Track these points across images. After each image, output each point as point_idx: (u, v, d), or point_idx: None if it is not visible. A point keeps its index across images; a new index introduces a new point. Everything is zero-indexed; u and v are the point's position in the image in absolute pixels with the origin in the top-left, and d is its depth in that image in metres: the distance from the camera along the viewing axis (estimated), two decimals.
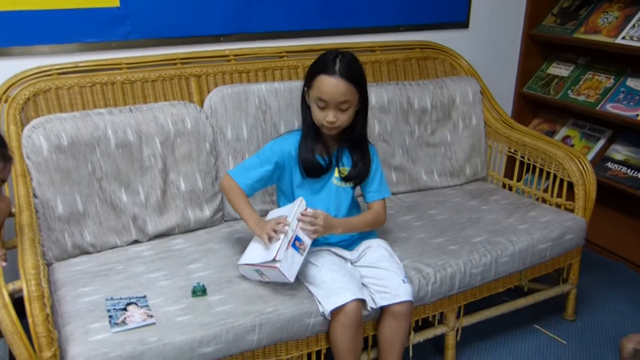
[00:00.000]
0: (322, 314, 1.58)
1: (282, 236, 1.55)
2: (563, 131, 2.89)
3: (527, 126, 2.96)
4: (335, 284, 1.59)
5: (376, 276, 1.68)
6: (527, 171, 2.35)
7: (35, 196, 1.72)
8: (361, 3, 2.37)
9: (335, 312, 1.56)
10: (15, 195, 1.66)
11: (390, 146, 2.29)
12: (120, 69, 1.96)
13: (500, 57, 2.88)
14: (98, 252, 1.82)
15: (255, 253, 1.62)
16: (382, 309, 1.64)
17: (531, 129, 2.84)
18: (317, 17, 2.30)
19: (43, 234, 1.73)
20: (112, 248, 1.84)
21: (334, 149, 1.75)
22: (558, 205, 2.20)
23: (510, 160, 2.47)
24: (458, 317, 1.91)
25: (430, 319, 1.86)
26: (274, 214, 1.71)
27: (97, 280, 1.66)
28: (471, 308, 1.95)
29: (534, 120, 3.04)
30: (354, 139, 1.73)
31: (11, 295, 1.31)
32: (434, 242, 1.91)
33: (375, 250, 1.76)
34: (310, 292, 1.63)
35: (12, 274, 1.40)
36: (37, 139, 1.71)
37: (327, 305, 1.56)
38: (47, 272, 1.72)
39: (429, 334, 1.88)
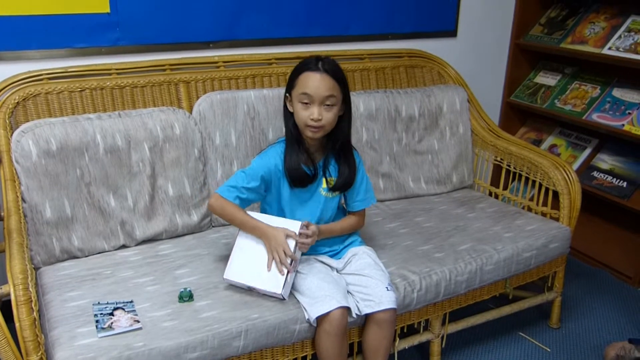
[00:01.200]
0: (308, 321, 1.59)
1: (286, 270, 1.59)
2: (549, 140, 2.92)
3: (514, 135, 3.01)
4: (321, 291, 1.60)
5: (360, 284, 1.69)
6: (514, 180, 2.38)
7: (23, 200, 1.72)
8: (350, 11, 2.40)
9: (321, 319, 1.57)
10: (3, 200, 1.66)
11: (377, 153, 2.31)
12: (110, 74, 1.97)
13: (488, 66, 2.91)
14: (86, 256, 1.82)
15: (250, 272, 1.63)
16: (367, 317, 1.66)
17: (518, 138, 2.88)
18: (306, 25, 2.32)
19: (31, 238, 1.73)
20: (99, 253, 1.85)
21: (319, 159, 1.74)
22: (544, 214, 2.23)
23: (497, 168, 2.50)
24: (443, 324, 1.93)
25: (415, 326, 1.87)
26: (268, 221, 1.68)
27: (84, 284, 1.66)
28: (456, 315, 1.97)
29: (521, 128, 3.08)
30: (339, 147, 1.72)
31: None
32: (420, 250, 1.93)
33: (360, 258, 1.77)
34: (296, 299, 1.64)
35: (0, 278, 1.40)
36: (26, 144, 1.72)
37: (313, 312, 1.57)
38: (35, 276, 1.73)
39: (414, 340, 1.89)
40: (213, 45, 2.18)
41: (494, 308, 2.10)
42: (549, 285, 2.17)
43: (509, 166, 2.38)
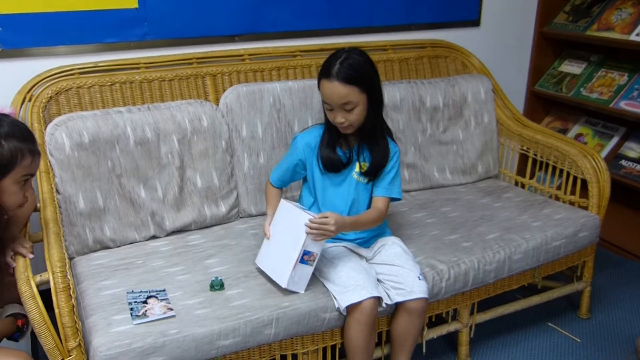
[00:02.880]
0: (338, 310, 1.60)
1: (293, 260, 1.57)
2: (575, 129, 2.89)
3: (539, 123, 2.98)
4: (351, 280, 1.61)
5: (392, 273, 1.70)
6: (540, 169, 2.36)
7: (58, 192, 1.76)
8: (372, 3, 2.40)
9: (351, 308, 1.58)
10: (39, 191, 1.70)
11: (402, 144, 2.31)
12: (138, 68, 2.00)
13: (512, 55, 2.89)
14: (118, 247, 1.86)
15: (269, 260, 1.67)
16: (397, 305, 1.66)
17: (543, 127, 2.86)
18: (329, 17, 2.33)
19: (65, 228, 1.77)
20: (131, 243, 1.88)
21: (356, 143, 1.76)
22: (572, 203, 2.21)
23: (523, 158, 2.48)
24: (472, 313, 1.93)
25: (443, 316, 1.88)
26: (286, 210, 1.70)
27: (117, 274, 1.69)
28: (485, 305, 1.97)
29: (546, 118, 3.05)
30: (371, 135, 1.74)
31: (38, 287, 1.35)
32: (447, 239, 1.93)
33: (390, 247, 1.78)
34: (326, 287, 1.65)
35: (38, 267, 1.44)
36: (59, 137, 1.76)
37: (343, 301, 1.58)
38: (69, 266, 1.77)
39: (443, 330, 1.90)
40: (238, 38, 2.20)
41: (523, 298, 2.09)
42: (578, 275, 2.15)
43: (535, 155, 2.36)
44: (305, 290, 1.63)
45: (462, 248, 1.87)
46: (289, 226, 1.62)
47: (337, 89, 1.60)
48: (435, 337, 1.88)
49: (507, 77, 2.82)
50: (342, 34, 2.38)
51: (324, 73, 1.63)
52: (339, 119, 1.64)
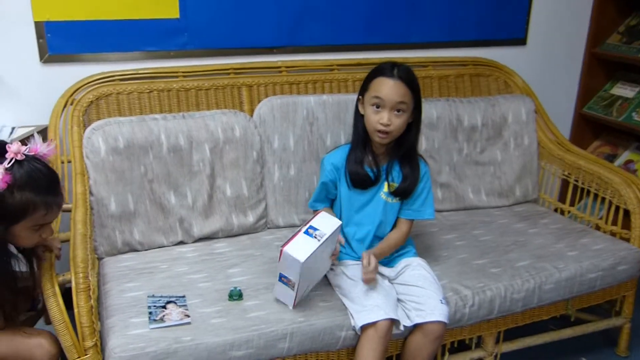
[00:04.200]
0: (354, 328, 1.58)
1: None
2: (625, 155, 2.76)
3: (586, 148, 2.87)
4: (370, 300, 1.59)
5: (414, 294, 1.67)
6: (582, 196, 2.27)
7: (91, 194, 1.82)
8: (412, 18, 2.37)
9: (366, 327, 1.56)
10: (73, 192, 1.76)
11: (437, 163, 2.27)
12: (177, 77, 2.05)
13: (560, 75, 2.80)
14: (146, 250, 1.90)
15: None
16: (415, 326, 1.63)
17: (590, 152, 2.75)
18: (368, 32, 2.32)
19: (96, 230, 1.83)
20: (158, 247, 1.92)
21: (384, 162, 1.75)
22: (613, 234, 2.11)
23: (565, 183, 2.39)
24: (497, 342, 1.86)
25: (467, 342, 1.82)
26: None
27: (142, 277, 1.73)
28: (512, 334, 1.89)
29: (594, 142, 2.93)
30: (405, 152, 1.73)
31: (61, 285, 1.40)
32: (475, 264, 1.88)
33: (414, 269, 1.74)
34: (344, 305, 1.64)
35: (65, 265, 1.49)
36: (96, 141, 1.82)
37: (360, 320, 1.56)
38: (98, 266, 1.83)
39: (466, 357, 1.84)
40: (276, 50, 2.22)
41: (555, 329, 2.01)
42: (617, 309, 2.05)
43: (577, 181, 2.27)
44: (323, 306, 1.61)
45: (490, 274, 1.81)
46: None
47: (398, 87, 1.62)
48: None
49: (553, 98, 2.73)
50: (381, 49, 2.37)
51: (383, 72, 1.65)
52: (385, 119, 1.63)
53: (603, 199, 2.15)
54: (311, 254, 1.49)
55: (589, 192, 2.22)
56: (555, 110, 2.67)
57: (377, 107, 1.64)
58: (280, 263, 1.53)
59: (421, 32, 2.43)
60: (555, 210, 2.40)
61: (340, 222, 1.58)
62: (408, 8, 2.36)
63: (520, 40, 2.65)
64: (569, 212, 2.34)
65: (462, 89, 2.46)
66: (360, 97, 1.72)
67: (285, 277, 1.55)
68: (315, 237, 1.52)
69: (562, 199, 2.42)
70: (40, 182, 1.34)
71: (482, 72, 2.49)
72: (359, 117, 1.73)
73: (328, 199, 1.82)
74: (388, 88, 1.63)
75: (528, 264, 1.87)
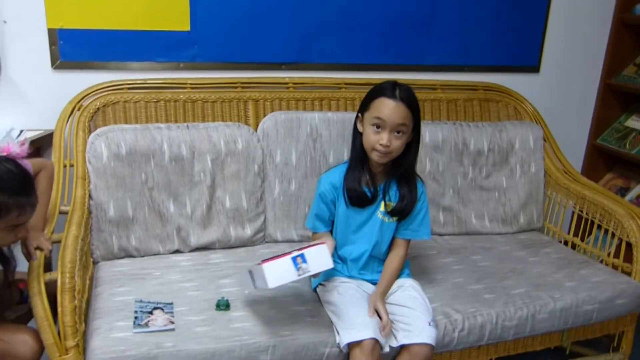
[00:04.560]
0: (338, 345, 1.57)
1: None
2: (638, 189, 2.71)
3: (599, 180, 2.83)
4: (358, 319, 1.58)
5: (403, 314, 1.65)
6: (586, 226, 2.22)
7: (91, 198, 1.86)
8: (425, 41, 2.38)
9: (352, 346, 1.55)
10: (73, 195, 1.80)
11: (440, 186, 2.26)
12: (184, 88, 2.09)
13: (573, 105, 2.77)
14: (141, 256, 1.92)
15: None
16: (402, 347, 1.61)
17: (602, 184, 2.71)
18: (378, 52, 2.34)
19: (93, 234, 1.86)
20: (154, 254, 1.94)
21: (381, 182, 1.75)
22: (615, 267, 2.06)
23: (572, 213, 2.35)
24: None
25: None
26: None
27: (133, 282, 1.75)
28: None
29: (608, 174, 2.88)
30: (403, 172, 1.73)
31: (48, 285, 1.42)
32: (469, 289, 1.85)
33: (405, 290, 1.73)
34: (331, 321, 1.63)
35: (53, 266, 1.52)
36: (99, 146, 1.86)
37: (345, 337, 1.55)
38: (93, 269, 1.86)
39: None
40: (285, 66, 2.25)
41: None
42: (615, 345, 1.99)
43: (581, 212, 2.23)
44: (309, 322, 1.61)
45: (483, 300, 1.79)
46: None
47: (400, 109, 1.62)
48: None
49: (566, 128, 2.70)
50: (391, 69, 2.38)
51: (384, 93, 1.64)
52: (385, 140, 1.63)
53: (606, 230, 2.11)
54: (283, 284, 1.49)
55: (592, 222, 2.18)
56: (567, 140, 2.64)
57: (378, 127, 1.65)
58: (255, 268, 1.54)
59: (433, 55, 2.44)
60: (560, 240, 2.35)
61: (331, 266, 1.53)
62: (420, 30, 2.38)
63: (534, 68, 2.64)
64: (572, 242, 2.29)
65: (470, 113, 2.45)
66: (359, 115, 1.73)
67: (252, 278, 1.58)
68: (299, 270, 1.49)
69: (566, 228, 2.38)
70: (12, 184, 1.34)
71: (492, 97, 2.48)
72: (357, 135, 1.73)
73: (329, 221, 1.79)
74: (389, 109, 1.62)
75: (523, 291, 1.83)
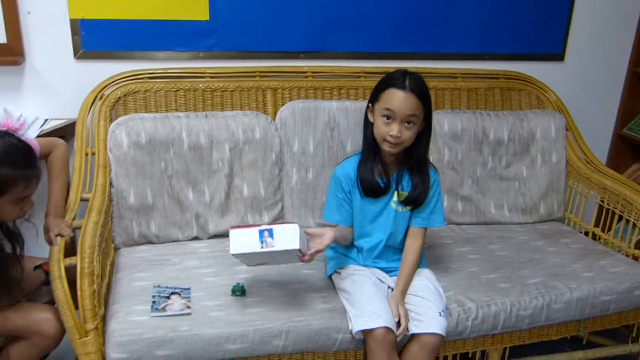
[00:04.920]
0: (351, 332, 1.59)
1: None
2: None
3: (624, 170, 2.77)
4: (370, 306, 1.59)
5: (414, 303, 1.66)
6: (607, 217, 2.19)
7: (112, 186, 1.90)
8: (444, 29, 2.36)
9: (366, 334, 1.57)
10: (94, 183, 1.85)
11: (459, 175, 2.24)
12: (203, 77, 2.12)
13: (599, 94, 2.71)
14: (161, 243, 1.97)
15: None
16: (412, 336, 1.62)
17: (627, 175, 2.65)
18: (397, 40, 2.32)
19: (114, 220, 1.91)
20: (174, 241, 1.98)
21: (394, 172, 1.75)
22: (635, 258, 2.02)
23: (593, 204, 2.31)
24: (503, 358, 1.82)
25: (470, 355, 1.79)
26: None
27: (153, 268, 1.79)
28: (520, 352, 1.85)
29: (634, 164, 2.82)
30: (415, 161, 1.72)
31: (68, 269, 1.47)
32: (484, 278, 1.85)
33: (418, 279, 1.74)
34: (344, 308, 1.64)
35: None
36: (119, 135, 1.90)
37: (357, 325, 1.57)
38: (114, 255, 1.91)
39: None
40: (304, 55, 2.26)
41: (567, 351, 1.94)
42: (634, 335, 1.96)
43: (602, 202, 2.19)
44: (323, 308, 1.63)
45: (498, 289, 1.78)
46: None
47: (410, 99, 1.61)
48: None
49: (590, 117, 2.65)
50: (410, 58, 2.36)
51: (394, 83, 1.64)
52: (395, 132, 1.62)
53: (635, 224, 2.07)
54: (243, 253, 1.50)
55: (614, 213, 2.14)
56: (592, 130, 2.59)
57: (388, 118, 1.64)
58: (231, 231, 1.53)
59: (452, 43, 2.41)
60: (584, 232, 2.32)
61: (296, 247, 1.48)
62: (440, 18, 2.35)
63: (558, 56, 2.59)
64: (593, 232, 2.25)
65: (492, 102, 2.42)
66: (370, 105, 1.73)
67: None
68: (262, 243, 1.49)
69: (587, 218, 2.34)
70: (17, 157, 1.38)
71: (514, 86, 2.44)
72: (368, 125, 1.73)
73: (350, 216, 1.76)
74: (399, 100, 1.62)
75: (539, 281, 1.82)
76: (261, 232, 1.49)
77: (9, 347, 1.55)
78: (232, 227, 1.51)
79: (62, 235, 1.56)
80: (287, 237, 1.49)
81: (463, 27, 2.38)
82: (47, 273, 1.65)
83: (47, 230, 1.59)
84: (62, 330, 1.51)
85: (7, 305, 1.51)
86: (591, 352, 1.94)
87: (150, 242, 1.96)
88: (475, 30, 2.40)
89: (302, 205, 2.12)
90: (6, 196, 1.39)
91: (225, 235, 2.03)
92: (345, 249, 1.81)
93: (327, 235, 1.60)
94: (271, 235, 1.49)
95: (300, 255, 1.53)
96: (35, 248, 1.70)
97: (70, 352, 1.56)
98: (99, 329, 1.48)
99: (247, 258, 1.59)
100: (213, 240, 2.02)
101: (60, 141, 1.73)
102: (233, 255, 1.52)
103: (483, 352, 1.80)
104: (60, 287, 1.42)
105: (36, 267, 1.64)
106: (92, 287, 1.45)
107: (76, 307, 1.45)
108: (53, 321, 1.50)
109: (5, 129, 1.42)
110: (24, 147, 1.43)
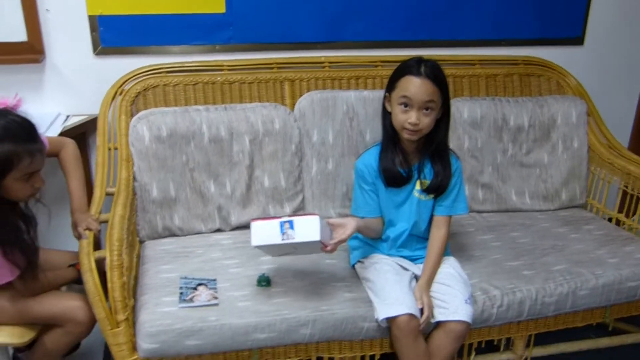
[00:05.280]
0: (376, 320, 1.60)
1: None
2: None
3: None
4: (393, 294, 1.60)
5: (439, 291, 1.66)
6: (631, 202, 2.17)
7: (135, 179, 1.92)
8: (461, 15, 2.34)
9: (390, 322, 1.58)
10: (118, 177, 1.87)
11: (479, 163, 2.23)
12: (221, 70, 2.12)
13: (620, 78, 2.67)
14: (184, 235, 1.99)
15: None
16: (437, 324, 1.62)
17: None
18: (414, 28, 2.31)
19: (138, 214, 1.93)
20: (197, 233, 2.00)
21: (415, 162, 1.75)
22: None
23: (616, 189, 2.29)
24: (528, 345, 1.82)
25: (495, 343, 1.79)
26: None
27: (177, 260, 1.81)
28: (545, 339, 1.85)
29: None
30: (435, 149, 1.72)
31: (97, 262, 1.49)
32: (508, 265, 1.84)
33: (443, 267, 1.74)
34: (369, 297, 1.65)
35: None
36: (141, 129, 1.92)
37: (382, 313, 1.58)
38: (139, 248, 1.93)
39: (494, 358, 1.82)
40: (320, 45, 2.25)
41: (594, 338, 1.93)
42: None
43: (627, 187, 2.17)
44: (348, 297, 1.64)
45: (522, 276, 1.78)
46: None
47: (426, 86, 1.61)
48: None
49: (611, 101, 2.62)
50: (427, 46, 2.35)
51: (410, 70, 1.64)
52: (414, 119, 1.62)
53: None
54: (264, 245, 1.51)
55: (639, 199, 2.12)
56: (614, 115, 2.56)
57: (405, 106, 1.64)
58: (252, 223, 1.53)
59: (470, 29, 2.39)
60: (604, 216, 2.30)
61: (317, 239, 1.47)
62: (457, 4, 2.33)
63: (577, 40, 2.55)
64: (617, 218, 2.24)
65: (510, 88, 2.40)
66: (387, 94, 1.72)
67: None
68: (283, 235, 1.49)
69: (610, 204, 2.32)
70: (17, 132, 1.38)
71: (533, 71, 2.42)
72: (386, 115, 1.73)
73: (377, 206, 1.75)
74: (416, 87, 1.62)
75: (564, 268, 1.81)
76: (282, 224, 1.49)
77: (44, 336, 1.59)
78: (253, 219, 1.52)
79: (90, 229, 1.58)
80: (307, 228, 1.49)
81: (480, 12, 2.36)
82: (79, 272, 1.67)
83: (75, 226, 1.62)
84: (94, 317, 1.54)
85: (40, 291, 1.54)
86: (617, 339, 1.93)
87: (174, 235, 1.98)
88: (492, 16, 2.38)
89: (322, 196, 2.12)
90: (13, 172, 1.38)
91: (247, 226, 2.03)
92: (367, 238, 1.81)
93: (350, 225, 1.60)
94: (292, 227, 1.49)
95: (322, 246, 1.54)
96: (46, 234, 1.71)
97: (99, 342, 1.59)
98: (129, 320, 1.50)
99: (269, 249, 1.60)
100: (235, 232, 2.03)
101: (69, 140, 1.75)
102: (255, 247, 1.53)
103: (508, 340, 1.80)
104: (91, 280, 1.44)
105: (69, 266, 1.66)
106: (121, 279, 1.47)
107: (106, 299, 1.47)
108: (85, 308, 1.53)
109: (2, 107, 1.41)
110: (25, 123, 1.42)
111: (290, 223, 1.49)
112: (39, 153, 1.44)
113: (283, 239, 1.49)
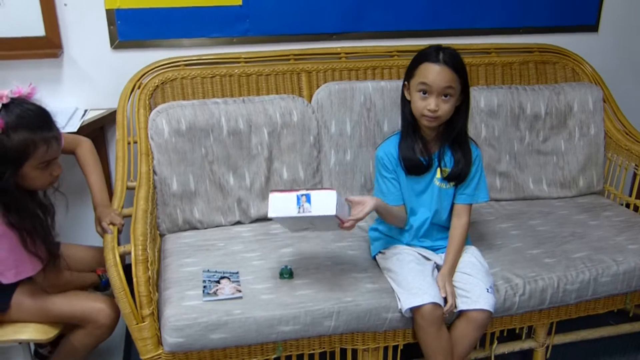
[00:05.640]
0: (400, 311, 1.60)
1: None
2: None
3: None
4: (416, 283, 1.61)
5: (461, 281, 1.67)
6: None
7: (155, 173, 1.93)
8: (477, 4, 2.32)
9: (414, 311, 1.58)
10: (138, 171, 1.88)
11: (496, 151, 2.23)
12: (238, 62, 2.12)
13: (635, 64, 2.65)
14: (205, 228, 1.99)
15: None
16: (460, 313, 1.63)
17: None
18: (430, 17, 2.30)
19: (159, 207, 1.94)
20: (217, 226, 2.01)
21: (435, 150, 1.75)
22: None
23: (632, 175, 2.29)
24: (550, 333, 1.83)
25: (517, 331, 1.80)
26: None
27: (199, 253, 1.82)
28: (566, 326, 1.86)
29: None
30: (455, 136, 1.72)
31: (122, 257, 1.50)
32: (529, 253, 1.84)
33: (465, 256, 1.74)
34: (392, 288, 1.66)
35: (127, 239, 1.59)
36: (160, 123, 1.92)
37: (405, 303, 1.59)
38: (160, 242, 1.94)
39: (515, 347, 1.82)
40: (336, 36, 2.25)
41: (614, 324, 1.94)
42: None
43: None
44: (371, 288, 1.65)
45: (543, 264, 1.78)
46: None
47: (445, 72, 1.61)
48: (506, 352, 1.81)
49: (627, 88, 2.60)
50: (443, 35, 2.34)
51: (428, 58, 1.64)
52: (433, 105, 1.62)
53: None
54: (280, 217, 1.50)
55: None
56: (629, 101, 2.54)
57: (424, 93, 1.64)
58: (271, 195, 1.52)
59: (485, 18, 2.38)
60: (622, 203, 2.29)
61: (333, 213, 1.46)
62: None
63: (592, 27, 2.54)
64: (635, 204, 2.23)
65: (526, 76, 2.39)
66: (405, 82, 1.72)
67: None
68: (300, 208, 1.47)
69: (628, 190, 2.32)
70: (32, 120, 1.38)
71: (549, 59, 2.41)
72: (405, 103, 1.73)
73: (399, 194, 1.75)
74: (434, 74, 1.61)
75: (584, 255, 1.82)
76: (299, 197, 1.48)
77: (71, 335, 1.60)
78: (272, 191, 1.51)
79: (114, 224, 1.59)
80: (324, 203, 1.47)
81: (496, 0, 2.34)
82: (100, 277, 1.69)
83: (98, 222, 1.62)
84: (116, 320, 1.56)
85: (62, 288, 1.56)
86: (638, 325, 1.93)
87: (195, 228, 1.99)
88: (508, 4, 2.37)
89: (341, 187, 2.12)
90: (30, 160, 1.38)
91: (267, 219, 2.06)
92: (388, 229, 1.81)
93: (368, 204, 1.58)
94: (308, 200, 1.48)
95: (339, 222, 1.53)
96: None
97: (119, 337, 1.60)
98: (154, 314, 1.52)
99: (286, 222, 1.59)
100: (255, 224, 2.04)
101: (85, 138, 1.76)
102: (271, 218, 1.52)
103: (530, 328, 1.81)
104: (116, 274, 1.45)
105: (91, 271, 1.68)
106: (146, 274, 1.48)
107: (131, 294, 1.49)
108: (107, 310, 1.55)
109: (17, 95, 1.40)
110: (39, 110, 1.42)
111: (307, 196, 1.48)
112: (55, 140, 1.44)
113: (299, 212, 1.48)
